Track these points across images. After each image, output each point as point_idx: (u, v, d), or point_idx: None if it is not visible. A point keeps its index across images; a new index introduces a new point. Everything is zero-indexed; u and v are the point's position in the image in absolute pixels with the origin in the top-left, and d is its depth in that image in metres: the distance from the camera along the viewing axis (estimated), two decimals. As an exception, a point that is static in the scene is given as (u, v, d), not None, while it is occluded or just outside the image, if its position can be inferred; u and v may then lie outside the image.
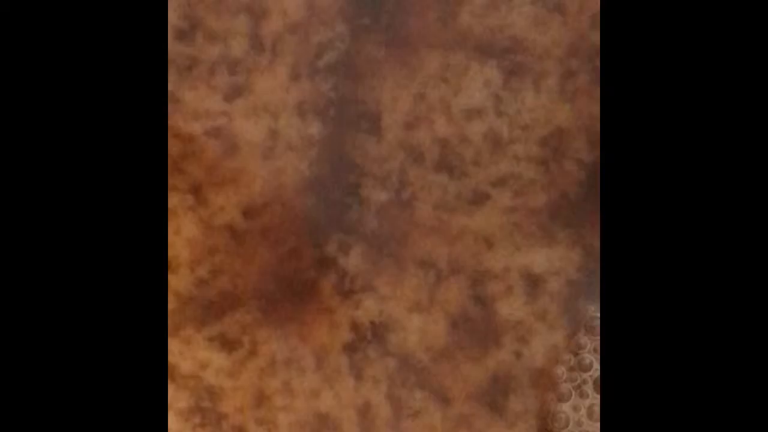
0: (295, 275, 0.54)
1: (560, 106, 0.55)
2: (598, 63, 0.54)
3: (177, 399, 0.53)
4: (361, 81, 0.55)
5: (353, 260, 0.54)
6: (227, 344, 0.53)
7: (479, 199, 0.54)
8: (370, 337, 0.53)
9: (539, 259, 0.54)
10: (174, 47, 0.54)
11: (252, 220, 0.54)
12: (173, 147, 0.54)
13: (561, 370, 0.52)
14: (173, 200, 0.54)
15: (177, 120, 0.54)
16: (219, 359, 0.53)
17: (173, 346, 0.53)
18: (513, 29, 0.55)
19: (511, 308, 0.53)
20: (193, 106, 0.54)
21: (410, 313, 0.54)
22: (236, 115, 0.55)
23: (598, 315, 0.52)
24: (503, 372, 0.53)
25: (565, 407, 0.52)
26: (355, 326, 0.53)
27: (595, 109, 0.54)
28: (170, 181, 0.54)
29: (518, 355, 0.53)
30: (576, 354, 0.52)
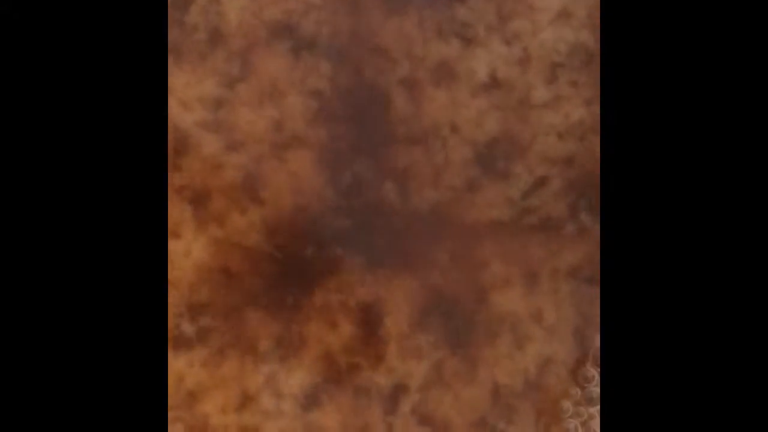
0: (299, 281, 0.53)
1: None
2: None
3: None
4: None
5: (361, 264, 0.53)
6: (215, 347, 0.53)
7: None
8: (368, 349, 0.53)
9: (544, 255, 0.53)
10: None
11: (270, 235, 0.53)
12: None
13: (567, 405, 0.51)
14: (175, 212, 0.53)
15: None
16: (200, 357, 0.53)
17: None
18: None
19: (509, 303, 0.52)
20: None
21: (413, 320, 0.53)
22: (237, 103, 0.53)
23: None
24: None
25: (571, 443, 0.50)
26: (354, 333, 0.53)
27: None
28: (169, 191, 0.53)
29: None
30: (583, 388, 0.51)
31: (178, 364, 0.52)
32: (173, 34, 0.53)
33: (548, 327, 0.52)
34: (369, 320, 0.53)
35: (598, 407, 0.51)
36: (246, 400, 0.52)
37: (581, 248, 0.53)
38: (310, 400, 0.53)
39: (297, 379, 0.52)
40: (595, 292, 0.53)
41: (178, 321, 0.52)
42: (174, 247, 0.52)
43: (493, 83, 0.54)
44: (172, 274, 0.52)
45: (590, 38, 0.54)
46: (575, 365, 0.51)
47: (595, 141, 0.54)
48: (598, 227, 0.53)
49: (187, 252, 0.52)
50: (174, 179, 0.52)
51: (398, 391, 0.53)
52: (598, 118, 0.54)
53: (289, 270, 0.53)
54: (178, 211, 0.52)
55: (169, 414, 0.52)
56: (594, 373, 0.51)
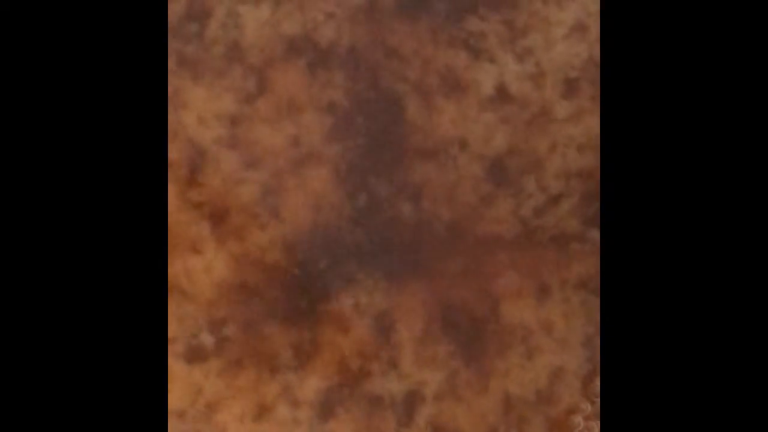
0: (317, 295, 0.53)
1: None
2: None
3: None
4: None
5: (376, 277, 0.53)
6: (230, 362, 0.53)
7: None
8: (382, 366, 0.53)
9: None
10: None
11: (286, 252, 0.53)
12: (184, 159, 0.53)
13: (577, 420, 0.51)
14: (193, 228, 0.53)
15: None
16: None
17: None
18: None
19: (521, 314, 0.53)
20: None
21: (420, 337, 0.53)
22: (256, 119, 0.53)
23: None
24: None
25: (581, 458, 0.51)
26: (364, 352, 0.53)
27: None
28: (184, 204, 0.53)
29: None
30: (593, 402, 0.51)
31: (195, 376, 0.53)
32: (191, 49, 0.53)
33: (559, 338, 0.53)
34: (383, 332, 0.53)
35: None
36: (263, 410, 0.53)
37: (592, 260, 0.54)
38: (326, 410, 0.53)
39: (312, 389, 0.53)
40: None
41: (197, 333, 0.53)
42: (194, 263, 0.53)
43: (508, 97, 0.54)
44: (192, 289, 0.53)
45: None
46: (585, 380, 0.52)
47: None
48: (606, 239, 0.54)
49: (207, 268, 0.53)
50: (193, 196, 0.53)
51: (412, 401, 0.53)
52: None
53: (305, 284, 0.53)
54: (197, 228, 0.53)
55: (187, 426, 0.52)
56: (604, 388, 0.51)
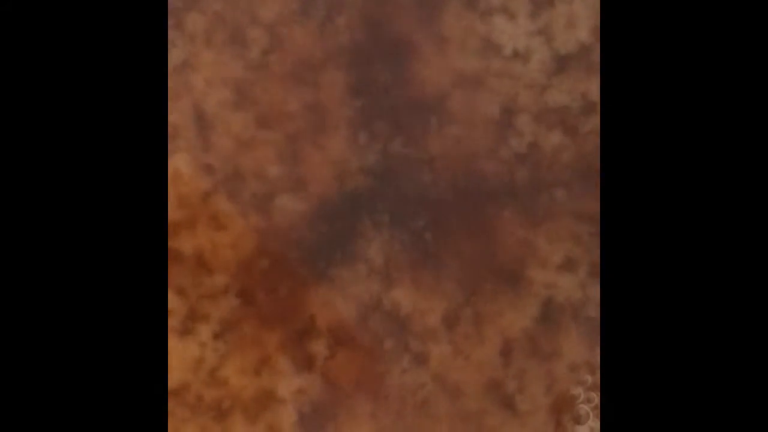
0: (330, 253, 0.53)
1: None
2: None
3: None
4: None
5: (385, 224, 0.53)
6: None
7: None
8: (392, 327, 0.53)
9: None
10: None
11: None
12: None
13: (578, 391, 0.51)
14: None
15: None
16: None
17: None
18: None
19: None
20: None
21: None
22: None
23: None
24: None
25: (582, 430, 0.51)
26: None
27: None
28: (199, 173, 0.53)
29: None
30: (593, 374, 0.51)
31: (192, 345, 0.53)
32: (217, 4, 0.53)
33: (553, 269, 0.53)
34: (387, 282, 0.53)
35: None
36: (263, 364, 0.53)
37: (585, 202, 0.53)
38: (328, 361, 0.53)
39: (319, 340, 0.53)
40: (596, 235, 0.53)
41: (211, 301, 0.53)
42: (218, 238, 0.53)
43: (520, 53, 0.53)
44: (215, 263, 0.53)
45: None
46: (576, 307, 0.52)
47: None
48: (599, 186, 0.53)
49: (233, 242, 0.53)
50: (207, 159, 0.53)
51: (415, 347, 0.53)
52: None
53: (318, 244, 0.53)
54: (215, 200, 0.53)
55: (191, 391, 0.53)
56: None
